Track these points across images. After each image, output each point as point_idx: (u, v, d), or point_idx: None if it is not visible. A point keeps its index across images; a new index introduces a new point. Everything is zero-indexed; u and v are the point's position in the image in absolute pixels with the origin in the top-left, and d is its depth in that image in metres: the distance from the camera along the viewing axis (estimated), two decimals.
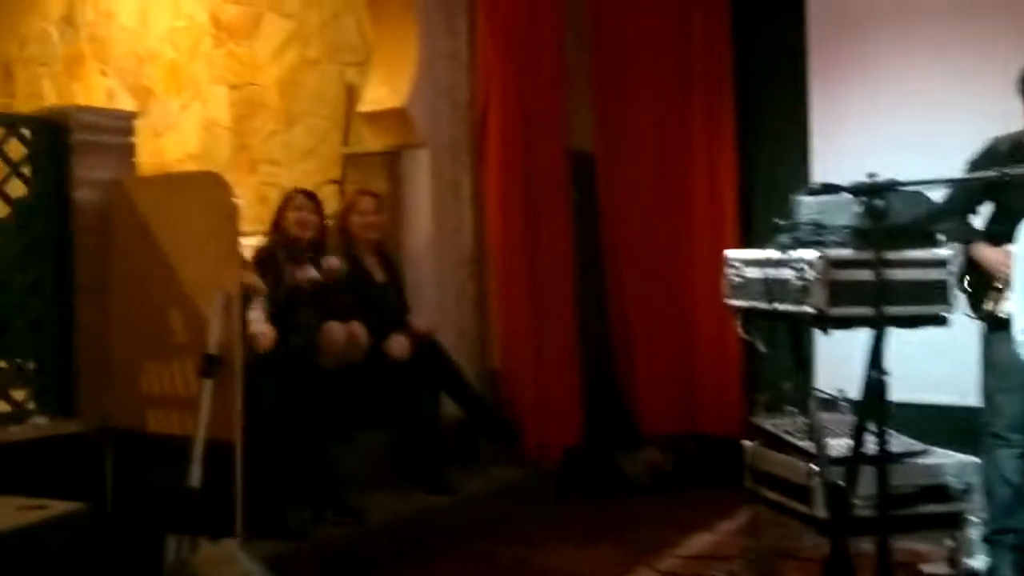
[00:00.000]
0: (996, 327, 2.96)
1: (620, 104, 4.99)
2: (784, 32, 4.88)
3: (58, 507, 1.59)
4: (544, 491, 4.58)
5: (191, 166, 5.82)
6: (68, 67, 6.51)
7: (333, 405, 3.73)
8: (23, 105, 6.47)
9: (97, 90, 6.30)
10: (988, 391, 3.09)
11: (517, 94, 4.61)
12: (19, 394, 3.38)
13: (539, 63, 4.67)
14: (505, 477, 4.50)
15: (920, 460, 2.99)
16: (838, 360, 3.06)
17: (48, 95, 6.53)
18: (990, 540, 3.05)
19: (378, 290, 4.30)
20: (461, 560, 3.81)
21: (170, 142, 5.95)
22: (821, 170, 4.69)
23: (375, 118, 4.70)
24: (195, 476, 3.08)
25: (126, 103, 6.03)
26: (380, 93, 4.65)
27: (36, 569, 1.52)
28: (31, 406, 3.39)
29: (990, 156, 2.98)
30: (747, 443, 3.37)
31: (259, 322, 3.57)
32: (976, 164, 2.97)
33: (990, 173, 2.71)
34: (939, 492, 2.91)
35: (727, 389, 4.94)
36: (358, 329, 3.97)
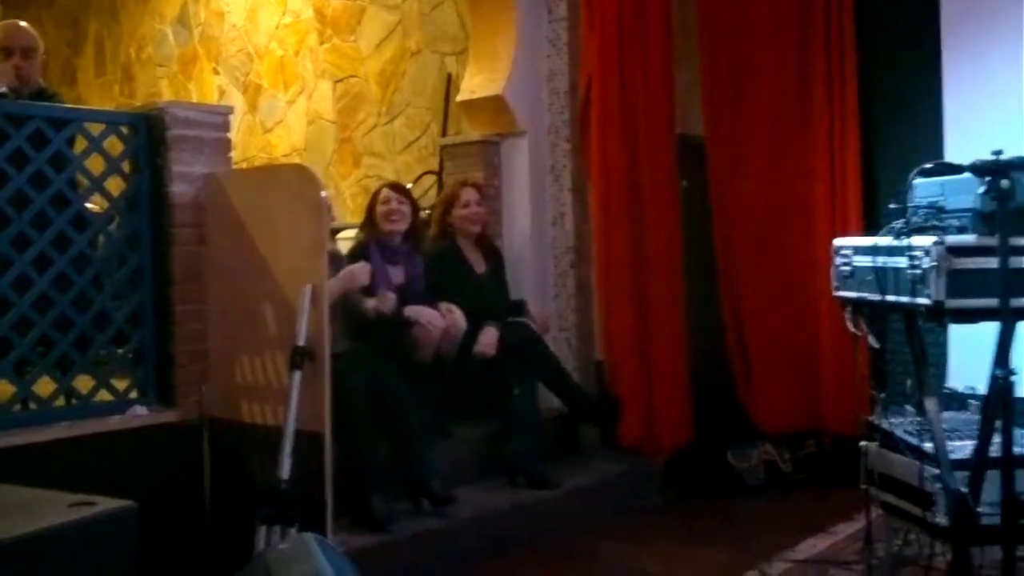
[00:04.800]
0: None
1: (731, 84, 4.72)
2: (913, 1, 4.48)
3: (107, 504, 1.57)
4: (649, 488, 4.41)
5: (297, 160, 5.91)
6: (183, 67, 6.72)
7: (424, 398, 3.68)
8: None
9: (209, 88, 6.48)
10: None
11: (621, 78, 4.43)
12: (120, 384, 3.44)
13: (645, 45, 4.47)
14: (607, 472, 4.36)
15: None
16: (975, 354, 2.79)
17: (165, 95, 6.75)
18: None
19: (476, 282, 4.23)
20: (556, 555, 3.70)
21: (278, 137, 6.06)
22: (955, 151, 4.31)
23: (473, 106, 4.63)
24: (284, 468, 3.05)
25: (236, 100, 6.17)
26: (477, 81, 4.59)
27: (81, 567, 1.49)
28: (132, 396, 3.44)
29: None
30: (865, 443, 3.13)
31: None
32: None
33: None
34: None
35: (850, 385, 4.63)
36: (446, 308, 3.91)
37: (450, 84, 5.04)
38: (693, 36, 4.77)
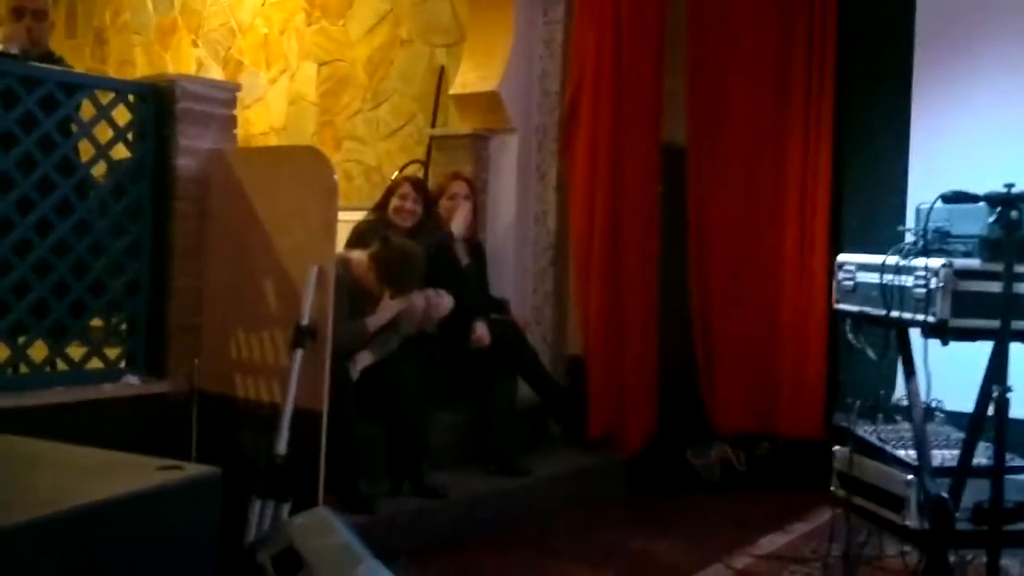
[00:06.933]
0: None
1: (715, 99, 4.88)
2: (891, 36, 4.71)
3: (193, 469, 1.63)
4: (614, 481, 4.56)
5: (275, 140, 5.92)
6: (160, 36, 6.64)
7: (416, 375, 3.77)
8: (114, 72, 6.62)
9: (187, 60, 6.41)
10: None
11: (612, 83, 4.54)
12: (113, 352, 3.44)
13: (638, 52, 4.59)
14: (574, 464, 4.49)
15: (1017, 476, 2.89)
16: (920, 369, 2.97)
17: (139, 63, 6.66)
18: None
19: (462, 274, 4.32)
20: (529, 540, 3.82)
21: (256, 114, 6.03)
22: (917, 180, 4.56)
23: (465, 100, 4.70)
24: (281, 444, 3.11)
25: (215, 74, 6.13)
26: (472, 76, 4.67)
27: (170, 529, 1.55)
28: (123, 365, 3.45)
29: None
30: (838, 448, 3.30)
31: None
32: None
33: None
34: None
35: (807, 391, 4.84)
36: (432, 292, 4.00)
37: (442, 76, 5.10)
38: (679, 47, 4.91)
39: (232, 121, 3.60)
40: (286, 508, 3.05)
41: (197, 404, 3.49)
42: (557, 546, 3.81)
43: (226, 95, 3.59)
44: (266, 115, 6.01)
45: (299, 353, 3.16)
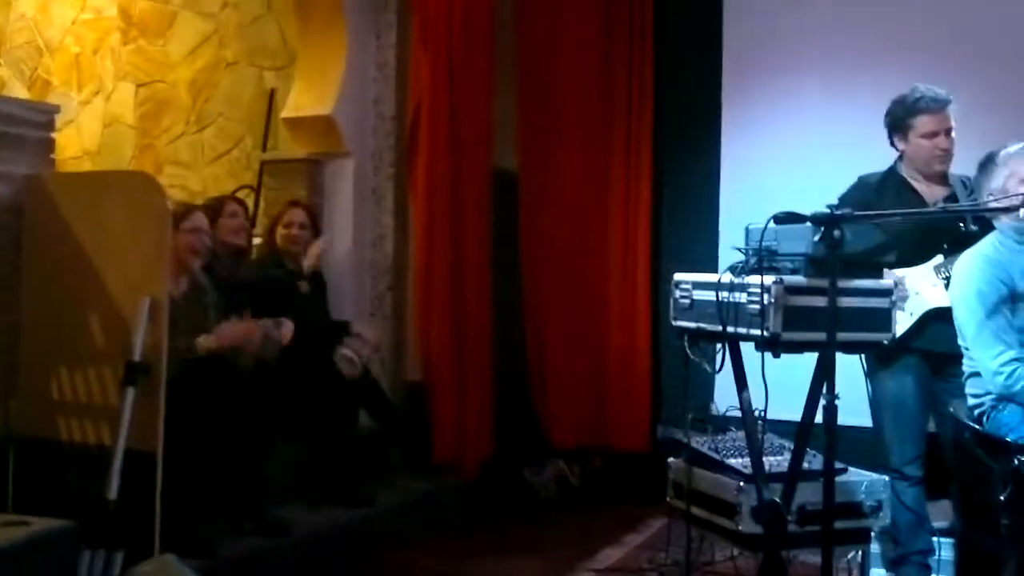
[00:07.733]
0: (882, 364, 3.16)
1: (543, 125, 5.04)
2: (703, 67, 5.01)
3: (43, 524, 1.50)
4: (456, 504, 4.57)
5: (89, 164, 5.60)
6: None
7: (255, 409, 3.62)
8: None
9: None
10: (880, 428, 3.25)
11: (448, 109, 4.59)
12: None
13: (470, 79, 4.66)
14: (417, 489, 4.48)
15: (837, 478, 3.10)
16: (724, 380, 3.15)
17: None
18: (897, 562, 3.23)
19: (302, 301, 4.22)
20: (375, 572, 3.78)
21: (67, 138, 5.68)
22: (726, 204, 4.90)
23: (299, 124, 4.61)
24: (112, 488, 2.92)
25: (20, 94, 5.74)
26: (305, 99, 4.58)
27: None
28: None
29: (859, 192, 3.19)
30: (672, 460, 3.42)
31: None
32: (845, 199, 3.04)
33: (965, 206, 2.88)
34: (852, 509, 3.00)
35: (634, 404, 5.06)
36: (270, 322, 3.85)
37: (273, 99, 4.98)
38: (507, 73, 5.01)
39: (50, 144, 3.38)
40: (119, 557, 2.88)
41: (13, 449, 3.24)
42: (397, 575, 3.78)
43: (43, 117, 3.36)
44: (78, 139, 5.68)
45: (130, 391, 2.98)
